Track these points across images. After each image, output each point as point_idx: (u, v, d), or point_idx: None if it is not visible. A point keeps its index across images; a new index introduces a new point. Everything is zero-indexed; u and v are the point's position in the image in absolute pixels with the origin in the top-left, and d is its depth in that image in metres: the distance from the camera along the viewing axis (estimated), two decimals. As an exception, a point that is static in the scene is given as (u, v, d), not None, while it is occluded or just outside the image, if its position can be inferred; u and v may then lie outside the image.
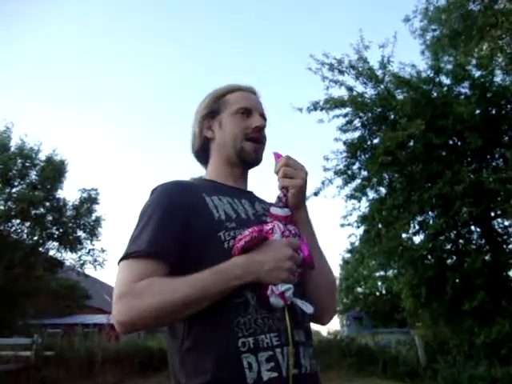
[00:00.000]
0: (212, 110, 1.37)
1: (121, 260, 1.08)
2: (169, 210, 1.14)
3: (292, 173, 1.18)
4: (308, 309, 1.08)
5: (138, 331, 1.08)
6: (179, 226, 1.12)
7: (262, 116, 1.36)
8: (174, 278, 1.02)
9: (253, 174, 1.42)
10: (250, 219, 1.21)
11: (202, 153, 1.42)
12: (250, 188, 1.42)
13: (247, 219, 1.20)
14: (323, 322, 1.29)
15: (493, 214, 11.19)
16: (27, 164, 18.02)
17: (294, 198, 1.18)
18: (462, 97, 11.02)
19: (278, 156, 1.24)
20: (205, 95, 1.44)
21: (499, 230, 11.41)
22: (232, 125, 1.32)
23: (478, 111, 10.67)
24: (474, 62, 11.14)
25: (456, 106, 10.03)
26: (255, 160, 1.34)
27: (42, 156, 18.59)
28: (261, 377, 0.97)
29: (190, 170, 1.47)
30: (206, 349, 1.02)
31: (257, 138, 1.32)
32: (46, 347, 10.34)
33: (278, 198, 1.18)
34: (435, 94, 11.20)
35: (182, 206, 1.15)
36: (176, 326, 1.09)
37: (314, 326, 1.22)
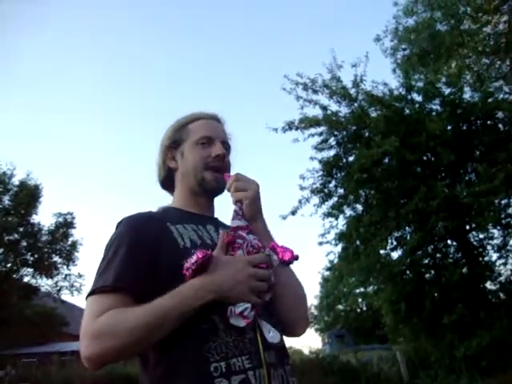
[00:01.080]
0: (174, 140, 1.38)
1: (88, 296, 1.09)
2: (134, 243, 1.14)
3: (243, 186, 1.22)
4: (274, 338, 1.07)
5: (107, 364, 1.07)
6: (145, 258, 1.12)
7: (224, 143, 1.37)
8: (133, 308, 1.02)
9: (221, 199, 1.43)
10: (215, 244, 1.19)
11: (168, 182, 1.44)
12: (217, 214, 1.43)
13: (212, 245, 1.19)
14: (297, 334, 1.29)
15: (468, 228, 11.38)
16: (0, 189, 17.71)
17: (249, 208, 1.21)
18: (434, 113, 11.27)
19: (227, 176, 1.29)
20: (167, 126, 1.45)
21: (475, 243, 11.60)
22: (193, 155, 1.33)
23: (449, 127, 10.94)
24: (443, 79, 11.44)
25: (428, 122, 10.24)
26: (216, 189, 1.34)
27: (16, 180, 18.32)
28: None
29: (164, 194, 1.46)
30: (179, 375, 1.01)
31: (217, 167, 1.32)
32: (19, 379, 10.02)
33: (235, 211, 1.21)
34: (408, 111, 11.44)
35: (147, 238, 1.15)
36: (146, 355, 1.08)
37: (296, 345, 1.21)
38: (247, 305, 1.03)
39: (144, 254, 1.12)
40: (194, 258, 1.03)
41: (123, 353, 1.04)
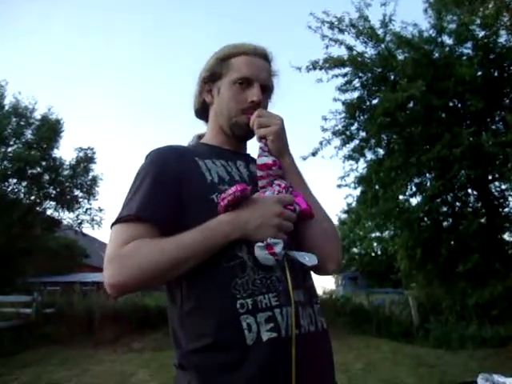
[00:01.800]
0: (213, 73, 1.30)
1: (113, 224, 1.09)
2: (161, 174, 1.13)
3: (266, 121, 1.19)
4: (310, 261, 1.06)
5: (129, 293, 1.09)
6: (171, 190, 1.11)
7: (264, 87, 1.27)
8: (160, 239, 1.02)
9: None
10: (245, 181, 1.19)
11: (202, 113, 1.39)
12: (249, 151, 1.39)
13: (241, 181, 1.17)
14: (328, 272, 1.25)
15: (490, 178, 11.20)
16: (22, 123, 17.83)
17: (274, 144, 1.18)
18: (465, 58, 10.80)
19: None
20: (211, 54, 1.35)
21: (496, 193, 11.44)
22: (228, 95, 1.26)
23: (480, 73, 10.49)
24: (478, 21, 10.84)
25: (458, 67, 9.85)
26: (248, 134, 1.28)
27: (38, 115, 18.38)
28: (260, 337, 0.97)
29: (190, 128, 1.43)
30: (205, 312, 1.02)
31: (251, 113, 1.24)
32: (45, 305, 10.52)
33: (261, 148, 1.19)
34: (437, 55, 10.98)
35: (175, 171, 1.14)
36: (175, 291, 1.09)
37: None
38: (279, 240, 1.02)
39: (169, 186, 1.11)
40: (232, 190, 1.02)
41: (146, 283, 1.05)
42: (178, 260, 1.00)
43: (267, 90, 1.30)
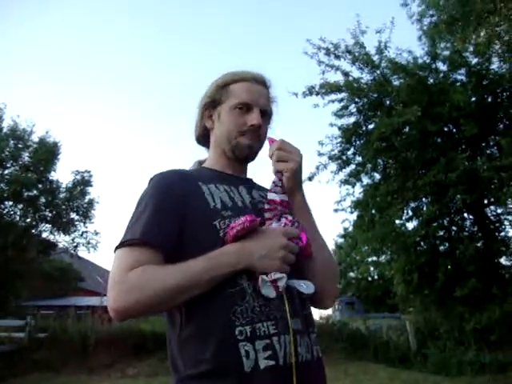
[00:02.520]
0: (214, 99, 1.33)
1: (116, 248, 1.09)
2: (164, 199, 1.14)
3: (286, 156, 1.18)
4: (307, 289, 1.07)
5: (131, 318, 1.10)
6: (175, 215, 1.12)
7: (263, 112, 1.30)
8: (165, 266, 1.03)
9: (256, 161, 1.39)
10: (247, 207, 1.20)
11: (203, 139, 1.42)
12: (250, 175, 1.40)
13: (244, 207, 1.19)
14: (324, 306, 1.29)
15: (486, 202, 11.26)
16: (20, 145, 17.85)
17: (289, 182, 1.18)
18: (459, 84, 10.98)
19: (271, 141, 1.23)
20: (211, 82, 1.39)
21: (492, 217, 11.49)
22: (228, 120, 1.28)
23: (473, 98, 10.67)
24: (471, 48, 11.07)
25: (452, 93, 9.99)
26: (249, 156, 1.31)
27: (35, 137, 18.41)
28: (258, 365, 0.97)
29: (189, 152, 1.46)
30: (204, 338, 1.02)
31: (251, 137, 1.28)
32: (39, 329, 10.37)
33: (274, 182, 1.17)
34: (431, 81, 11.16)
35: (178, 195, 1.15)
36: (174, 315, 1.09)
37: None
38: (283, 275, 1.03)
39: (173, 211, 1.12)
40: (241, 220, 1.03)
41: (149, 310, 1.06)
42: (183, 288, 1.01)
43: (266, 115, 1.33)
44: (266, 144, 1.27)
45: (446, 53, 11.37)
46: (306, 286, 1.08)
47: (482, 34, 10.52)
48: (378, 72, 11.28)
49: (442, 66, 11.41)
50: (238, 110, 1.27)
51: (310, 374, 1.05)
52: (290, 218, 1.14)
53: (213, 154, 1.37)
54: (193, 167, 1.43)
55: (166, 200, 1.14)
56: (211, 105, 1.34)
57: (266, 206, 1.15)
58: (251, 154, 1.31)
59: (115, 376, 8.95)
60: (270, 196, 1.15)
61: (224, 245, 1.07)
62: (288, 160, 1.17)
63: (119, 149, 70.58)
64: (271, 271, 1.03)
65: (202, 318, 1.04)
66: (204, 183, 1.20)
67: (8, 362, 8.98)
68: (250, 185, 1.34)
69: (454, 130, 11.27)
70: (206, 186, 1.19)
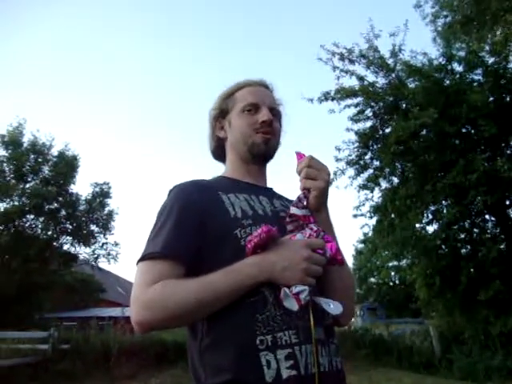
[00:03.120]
0: (221, 109, 1.37)
1: (138, 261, 1.10)
2: (185, 211, 1.14)
3: (314, 174, 1.15)
4: (334, 309, 1.04)
5: (154, 330, 1.11)
6: (195, 227, 1.12)
7: (272, 109, 1.33)
8: (186, 281, 1.03)
9: (274, 169, 1.41)
10: (268, 215, 1.19)
11: (219, 151, 1.43)
12: (270, 184, 1.41)
13: (264, 216, 1.18)
14: (341, 324, 1.27)
15: (508, 203, 11.07)
16: (40, 159, 18.17)
17: (316, 200, 1.15)
18: (476, 84, 10.86)
19: (300, 156, 1.21)
20: (216, 95, 1.42)
21: (514, 218, 11.27)
22: (240, 123, 1.31)
23: (491, 98, 10.50)
24: (487, 48, 10.96)
25: (469, 93, 9.89)
26: (267, 152, 1.32)
27: (55, 151, 18.75)
28: (280, 375, 0.96)
29: (205, 164, 1.47)
30: (225, 347, 1.01)
31: (265, 132, 1.29)
32: (62, 340, 10.46)
33: (298, 198, 1.15)
34: (448, 82, 11.05)
35: (198, 207, 1.15)
36: (195, 325, 1.09)
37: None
38: (305, 287, 1.01)
39: (193, 222, 1.12)
40: (258, 232, 1.02)
41: (170, 324, 1.06)
42: (204, 303, 1.01)
43: (275, 113, 1.35)
44: (293, 157, 1.25)
45: (462, 53, 11.27)
46: (333, 307, 1.05)
47: (498, 32, 10.42)
48: (393, 75, 11.23)
49: (458, 67, 11.31)
50: (247, 112, 1.30)
51: None
52: (314, 228, 1.11)
53: (231, 163, 1.37)
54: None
55: (187, 211, 1.14)
56: (220, 115, 1.38)
57: (288, 220, 1.14)
58: (268, 151, 1.32)
59: (138, 386, 8.98)
60: (292, 210, 1.13)
61: (245, 254, 1.06)
62: (316, 178, 1.15)
63: (137, 159, 71.29)
64: (293, 283, 1.01)
65: (222, 327, 1.03)
66: (224, 193, 1.20)
67: (33, 373, 9.07)
68: (271, 193, 1.34)
69: (473, 131, 11.12)
70: (225, 196, 1.19)
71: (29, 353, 9.88)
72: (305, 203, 1.14)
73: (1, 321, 14.03)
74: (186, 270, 1.07)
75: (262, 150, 1.30)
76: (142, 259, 1.09)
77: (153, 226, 1.16)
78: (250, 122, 1.29)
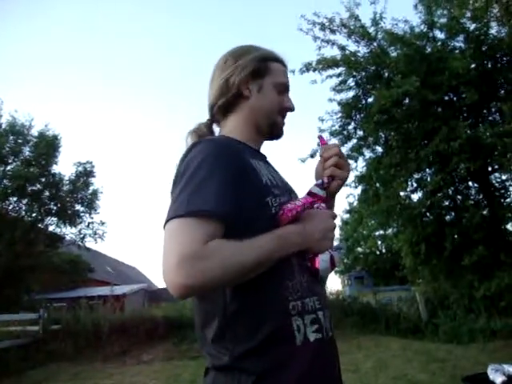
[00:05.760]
0: (254, 70, 1.28)
1: (180, 217, 0.98)
2: (228, 170, 1.06)
3: (343, 164, 1.22)
4: (342, 251, 1.20)
5: (200, 293, 1.06)
6: (236, 188, 1.05)
7: None
8: (238, 243, 0.96)
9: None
10: (284, 186, 1.22)
11: (228, 107, 1.32)
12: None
13: (281, 186, 1.19)
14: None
15: (490, 169, 11.20)
16: (20, 140, 17.87)
17: (337, 189, 1.24)
18: (457, 51, 10.83)
19: (323, 141, 1.27)
20: (245, 46, 1.36)
21: (496, 184, 11.47)
22: (271, 97, 1.29)
23: (473, 65, 10.51)
24: (468, 14, 10.88)
25: (451, 60, 9.86)
26: (280, 135, 1.36)
27: (35, 132, 18.44)
28: (307, 338, 1.02)
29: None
30: (257, 312, 1.01)
31: (284, 118, 1.33)
32: (52, 321, 10.48)
33: (322, 180, 1.19)
34: (429, 50, 11.01)
35: (237, 168, 1.08)
36: (213, 293, 1.05)
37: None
38: (329, 254, 1.11)
39: (236, 184, 1.05)
40: (301, 202, 1.08)
41: (223, 285, 1.00)
42: (256, 266, 0.97)
43: None
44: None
45: (443, 20, 11.18)
46: (341, 250, 1.19)
47: (479, -2, 10.35)
48: (375, 44, 11.16)
49: (440, 34, 11.27)
50: (277, 90, 1.30)
51: (336, 349, 1.14)
52: (323, 204, 1.18)
53: (240, 125, 1.30)
54: (197, 129, 1.35)
55: (230, 171, 1.06)
56: (252, 74, 1.29)
57: (305, 196, 1.17)
58: (280, 135, 1.35)
59: (131, 362, 9.06)
60: (314, 190, 1.18)
61: (275, 222, 1.07)
62: (343, 168, 1.22)
63: (119, 137, 70.55)
64: (325, 251, 1.10)
65: (251, 293, 1.02)
66: (250, 157, 1.17)
67: (25, 355, 9.11)
68: (272, 166, 1.34)
69: (455, 99, 11.16)
70: (252, 161, 1.16)
71: (20, 335, 9.89)
72: (324, 187, 1.19)
73: (-10, 304, 14.00)
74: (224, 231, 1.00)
75: (278, 133, 1.34)
76: (186, 215, 0.97)
77: (186, 181, 1.04)
78: (279, 101, 1.30)
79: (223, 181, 1.03)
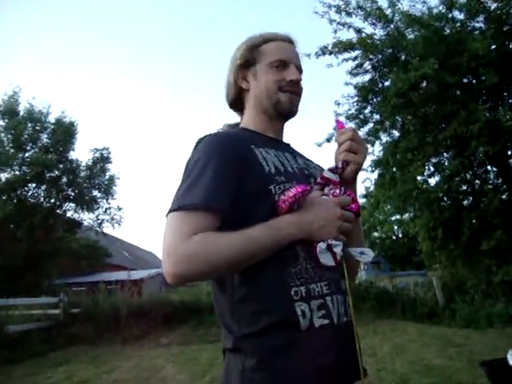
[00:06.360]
0: (247, 60, 1.32)
1: (172, 211, 1.06)
2: (223, 163, 1.11)
3: (357, 148, 1.16)
4: (366, 257, 1.10)
5: (189, 282, 1.13)
6: (233, 180, 1.09)
7: (298, 68, 1.31)
8: (227, 234, 1.01)
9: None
10: (296, 173, 1.21)
11: (237, 102, 1.40)
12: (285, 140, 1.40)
13: (293, 173, 1.19)
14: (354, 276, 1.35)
15: (510, 153, 11.01)
16: (37, 127, 18.09)
17: (353, 174, 1.17)
18: (477, 32, 10.57)
19: (340, 125, 1.22)
20: (239, 43, 1.38)
21: (516, 168, 11.25)
22: (266, 78, 1.28)
23: (493, 46, 10.25)
24: (489, -7, 10.61)
25: (470, 41, 9.63)
26: (291, 111, 1.31)
27: (52, 118, 18.64)
28: (313, 323, 1.02)
29: (203, 125, 1.42)
30: (260, 298, 1.04)
31: (292, 91, 1.28)
32: (72, 305, 10.70)
33: (336, 166, 1.15)
34: (448, 31, 10.76)
35: (235, 159, 1.12)
36: (225, 279, 1.10)
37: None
38: (339, 242, 1.05)
39: (232, 175, 1.10)
40: (292, 192, 1.04)
41: (208, 277, 1.09)
42: (244, 258, 1.00)
43: (301, 71, 1.33)
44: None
45: (463, 0, 10.92)
46: (365, 255, 1.10)
47: (500, -25, 10.07)
48: (392, 26, 10.95)
49: (459, 15, 10.96)
50: (275, 68, 1.28)
51: (352, 334, 1.08)
52: (337, 191, 1.14)
53: (253, 116, 1.34)
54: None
55: (224, 164, 1.11)
56: (245, 66, 1.33)
57: (318, 181, 1.15)
58: (293, 110, 1.31)
59: (148, 346, 9.22)
60: (327, 174, 1.14)
61: (278, 212, 1.07)
62: (358, 153, 1.16)
63: (135, 122, 70.86)
64: (327, 240, 1.05)
65: (256, 280, 1.05)
66: (256, 146, 1.19)
67: (46, 337, 9.35)
68: (292, 150, 1.35)
69: (474, 81, 10.92)
70: (258, 150, 1.18)
71: (41, 318, 10.12)
72: (340, 173, 1.15)
73: (12, 289, 14.33)
74: (220, 222, 1.06)
75: (286, 109, 1.29)
76: (177, 209, 1.05)
77: (185, 176, 1.13)
78: (277, 79, 1.27)
79: (217, 174, 1.08)
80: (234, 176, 1.09)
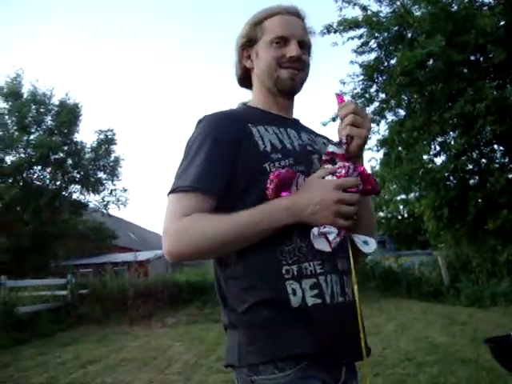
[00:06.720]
0: (249, 38, 1.30)
1: (169, 193, 1.10)
2: (217, 144, 1.12)
3: (360, 122, 1.11)
4: (368, 248, 1.08)
5: (184, 261, 1.17)
6: (227, 160, 1.10)
7: (302, 43, 1.26)
8: (218, 216, 1.03)
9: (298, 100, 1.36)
10: (296, 149, 1.19)
11: (245, 81, 1.39)
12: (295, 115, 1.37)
13: (293, 150, 1.18)
14: (359, 261, 1.29)
15: (517, 132, 10.89)
16: (41, 110, 18.06)
17: (358, 149, 1.12)
18: (486, 8, 10.39)
19: (340, 99, 1.17)
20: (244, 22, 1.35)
21: (523, 147, 11.14)
22: (266, 55, 1.25)
23: (502, 23, 10.06)
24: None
25: (479, 18, 9.47)
26: (293, 88, 1.28)
27: (56, 101, 18.61)
28: (305, 302, 1.01)
29: (211, 104, 1.41)
30: (250, 276, 1.06)
31: (292, 67, 1.24)
32: (80, 286, 10.81)
33: (340, 141, 1.11)
34: (455, 7, 10.57)
35: (230, 139, 1.13)
36: (223, 256, 1.13)
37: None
38: (333, 229, 1.01)
39: (226, 156, 1.11)
40: (270, 178, 1.02)
41: (200, 257, 1.12)
42: (234, 240, 1.02)
43: (305, 46, 1.29)
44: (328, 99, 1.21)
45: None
46: (368, 246, 1.08)
47: None
48: (398, 3, 10.81)
49: (467, -10, 10.78)
50: (276, 44, 1.24)
51: (353, 314, 1.07)
52: (347, 166, 1.08)
53: (257, 93, 1.34)
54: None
55: (219, 145, 1.12)
56: (248, 44, 1.31)
57: (324, 157, 1.12)
58: (295, 86, 1.28)
59: (156, 326, 9.33)
60: (332, 148, 1.11)
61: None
62: (362, 126, 1.11)
63: (139, 103, 70.66)
64: (322, 225, 1.01)
65: (249, 258, 1.06)
66: (253, 125, 1.18)
67: (55, 318, 9.47)
68: (298, 126, 1.33)
69: (481, 59, 10.77)
70: (255, 128, 1.17)
71: (49, 299, 10.24)
72: (344, 147, 1.10)
73: (20, 270, 14.49)
74: (215, 203, 1.07)
75: (287, 86, 1.26)
76: (173, 191, 1.09)
77: (184, 157, 1.15)
78: (276, 55, 1.24)
79: (211, 155, 1.10)
80: (228, 157, 1.10)
